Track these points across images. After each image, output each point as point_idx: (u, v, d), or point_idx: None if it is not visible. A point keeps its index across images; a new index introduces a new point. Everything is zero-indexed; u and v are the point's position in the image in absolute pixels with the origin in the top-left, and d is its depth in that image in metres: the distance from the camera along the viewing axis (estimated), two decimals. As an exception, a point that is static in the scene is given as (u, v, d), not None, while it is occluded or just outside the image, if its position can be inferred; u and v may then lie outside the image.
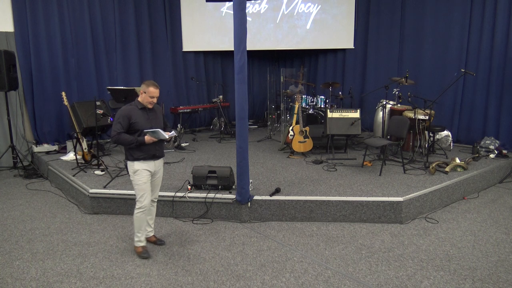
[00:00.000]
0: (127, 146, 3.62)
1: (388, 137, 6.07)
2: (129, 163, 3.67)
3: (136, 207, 3.67)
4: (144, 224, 3.76)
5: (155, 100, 3.65)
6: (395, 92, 6.61)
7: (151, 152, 3.68)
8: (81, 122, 6.38)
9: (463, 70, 5.94)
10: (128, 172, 3.83)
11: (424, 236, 4.12)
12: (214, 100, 8.25)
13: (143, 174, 3.63)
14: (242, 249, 3.87)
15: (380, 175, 5.31)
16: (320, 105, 7.43)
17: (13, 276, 3.42)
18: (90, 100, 6.74)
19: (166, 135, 3.66)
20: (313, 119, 7.17)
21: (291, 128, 6.42)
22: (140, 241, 3.77)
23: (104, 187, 4.87)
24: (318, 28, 8.85)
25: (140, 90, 3.63)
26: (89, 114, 6.35)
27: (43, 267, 3.56)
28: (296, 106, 6.57)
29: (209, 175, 4.68)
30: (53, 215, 4.79)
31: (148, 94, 3.59)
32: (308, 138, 6.36)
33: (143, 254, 3.74)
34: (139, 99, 3.67)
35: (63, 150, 6.87)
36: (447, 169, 5.34)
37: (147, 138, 3.59)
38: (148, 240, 3.96)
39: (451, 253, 3.77)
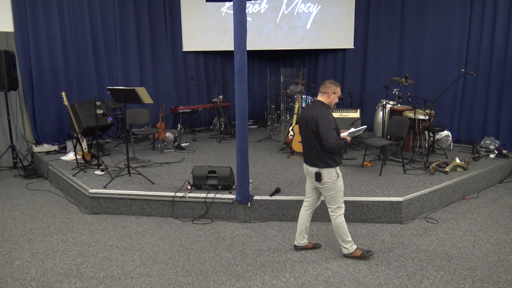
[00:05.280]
0: (341, 151, 3.44)
1: (388, 137, 6.06)
2: (330, 171, 3.43)
3: (338, 213, 3.52)
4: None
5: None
6: (395, 92, 6.61)
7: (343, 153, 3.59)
8: (81, 122, 6.38)
9: (463, 70, 5.94)
10: (320, 180, 3.47)
11: (424, 236, 4.12)
12: (214, 100, 8.25)
13: (341, 178, 3.53)
14: (242, 249, 3.87)
15: (380, 175, 5.31)
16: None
17: (13, 276, 3.42)
18: (90, 100, 6.76)
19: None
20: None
21: (291, 128, 6.42)
22: (353, 244, 3.61)
23: (104, 187, 4.87)
24: (318, 28, 8.84)
25: (329, 92, 3.42)
26: (89, 114, 6.35)
27: (43, 267, 3.56)
28: (296, 106, 6.58)
29: (209, 175, 4.68)
30: (53, 215, 4.79)
31: (337, 94, 3.44)
32: (308, 138, 6.35)
33: (368, 253, 3.63)
34: (326, 101, 3.45)
35: (63, 150, 6.86)
36: (447, 169, 5.34)
37: (349, 138, 3.47)
38: (305, 247, 3.81)
39: (451, 253, 3.77)
